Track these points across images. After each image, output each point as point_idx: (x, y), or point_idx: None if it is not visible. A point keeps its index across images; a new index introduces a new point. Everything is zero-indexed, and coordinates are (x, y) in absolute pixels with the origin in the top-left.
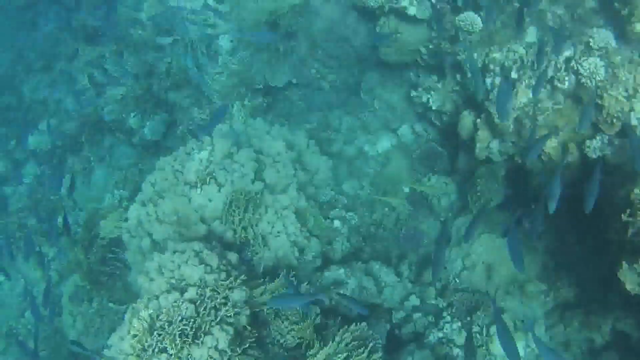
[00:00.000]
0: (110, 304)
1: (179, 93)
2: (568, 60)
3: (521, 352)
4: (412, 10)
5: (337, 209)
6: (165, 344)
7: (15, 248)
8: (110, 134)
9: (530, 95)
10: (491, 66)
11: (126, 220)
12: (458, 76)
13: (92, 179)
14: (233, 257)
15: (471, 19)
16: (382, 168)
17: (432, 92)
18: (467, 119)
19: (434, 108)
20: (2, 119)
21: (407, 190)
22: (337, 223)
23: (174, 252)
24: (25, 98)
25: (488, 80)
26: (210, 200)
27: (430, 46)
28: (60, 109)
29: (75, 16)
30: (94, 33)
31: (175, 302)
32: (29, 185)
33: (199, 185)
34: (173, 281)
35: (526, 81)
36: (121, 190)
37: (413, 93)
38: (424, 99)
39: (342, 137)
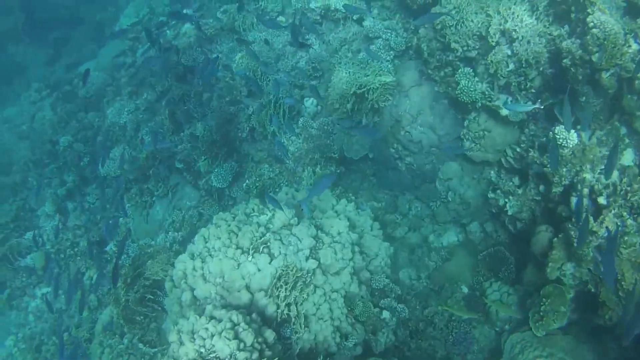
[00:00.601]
0: (141, 345)
1: (253, 146)
2: None
3: None
4: (504, 111)
5: (388, 299)
6: None
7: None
8: (177, 172)
9: (618, 225)
10: (579, 186)
11: (173, 265)
12: (542, 187)
13: (151, 213)
14: (270, 335)
15: (566, 134)
16: (444, 262)
17: (511, 197)
18: (543, 235)
19: (509, 213)
20: (83, 136)
21: (465, 290)
22: (386, 314)
23: (211, 318)
24: (107, 120)
25: (573, 200)
26: (259, 270)
27: (518, 149)
28: (137, 137)
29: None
30: (186, 72)
31: None
32: (90, 205)
33: (250, 253)
34: (202, 350)
35: (615, 210)
36: (175, 233)
37: (491, 195)
38: (501, 202)
39: (408, 222)
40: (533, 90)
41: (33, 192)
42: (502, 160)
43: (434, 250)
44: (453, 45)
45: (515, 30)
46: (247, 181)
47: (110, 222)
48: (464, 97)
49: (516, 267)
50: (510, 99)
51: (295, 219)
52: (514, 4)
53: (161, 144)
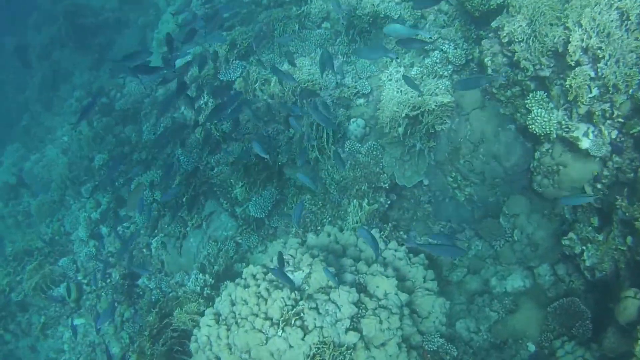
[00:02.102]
0: None
1: (295, 170)
2: None
3: None
4: (585, 143)
5: None
6: None
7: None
8: (213, 198)
9: None
10: None
11: (202, 315)
12: (630, 238)
13: (185, 245)
14: None
15: None
16: (508, 314)
17: (589, 245)
18: (631, 302)
19: (587, 264)
20: (119, 152)
21: (532, 348)
22: None
23: None
24: (142, 136)
25: None
26: (290, 347)
27: (599, 186)
28: (171, 157)
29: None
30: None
31: None
32: (123, 232)
33: (281, 326)
34: None
35: None
36: (206, 276)
37: (565, 242)
38: (577, 250)
39: (467, 263)
40: (621, 119)
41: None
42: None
43: (497, 298)
44: (523, 63)
45: (600, 48)
46: (286, 209)
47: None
48: (536, 129)
49: (593, 323)
50: (592, 129)
51: (335, 279)
52: (599, 13)
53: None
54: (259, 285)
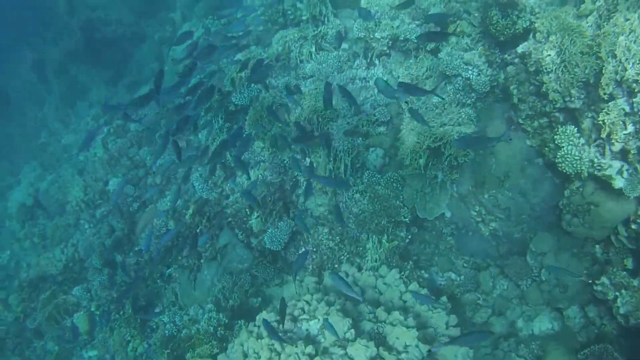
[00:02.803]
0: None
1: (312, 199)
2: None
3: None
4: (619, 182)
5: None
6: None
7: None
8: (229, 228)
9: None
10: None
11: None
12: None
13: (199, 277)
14: None
15: None
16: None
17: (624, 291)
18: None
19: (622, 312)
20: (134, 175)
21: None
22: None
23: None
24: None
25: None
26: None
27: (633, 226)
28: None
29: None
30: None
31: None
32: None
33: None
34: None
35: None
36: (220, 315)
37: (598, 287)
38: (610, 296)
39: (491, 302)
40: None
41: None
42: (612, 238)
43: (523, 342)
44: (552, 95)
45: (637, 81)
46: (303, 249)
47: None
48: (567, 167)
49: None
50: (627, 167)
51: (352, 331)
52: (634, 42)
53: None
54: (272, 339)
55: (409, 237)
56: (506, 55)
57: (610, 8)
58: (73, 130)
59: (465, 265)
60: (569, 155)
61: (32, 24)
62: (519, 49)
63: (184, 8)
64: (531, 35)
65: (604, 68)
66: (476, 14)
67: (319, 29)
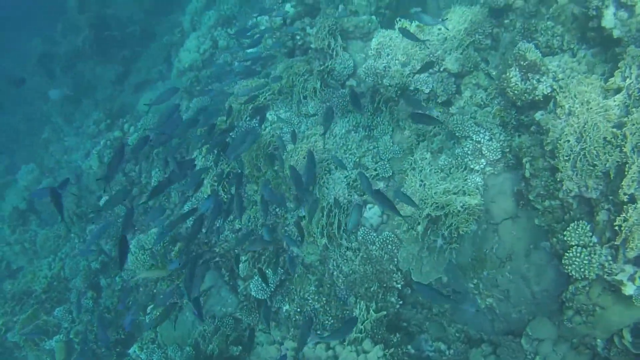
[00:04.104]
0: None
1: (303, 247)
2: None
3: None
4: (629, 289)
5: None
6: None
7: None
8: (215, 268)
9: None
10: None
11: None
12: None
13: (180, 318)
14: None
15: None
16: None
17: None
18: None
19: None
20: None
21: None
22: None
23: None
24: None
25: None
26: None
27: None
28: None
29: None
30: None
31: None
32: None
33: None
34: None
35: None
36: None
37: None
38: None
39: None
40: None
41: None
42: (615, 339)
43: None
44: (567, 184)
45: None
46: (288, 306)
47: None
48: (574, 271)
49: None
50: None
51: None
52: None
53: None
54: None
55: (400, 302)
56: (523, 117)
57: None
58: (76, 132)
59: (457, 334)
60: (577, 259)
61: (43, 17)
62: (537, 116)
63: (193, 14)
64: (552, 104)
65: (627, 165)
66: (494, 72)
67: (326, 64)
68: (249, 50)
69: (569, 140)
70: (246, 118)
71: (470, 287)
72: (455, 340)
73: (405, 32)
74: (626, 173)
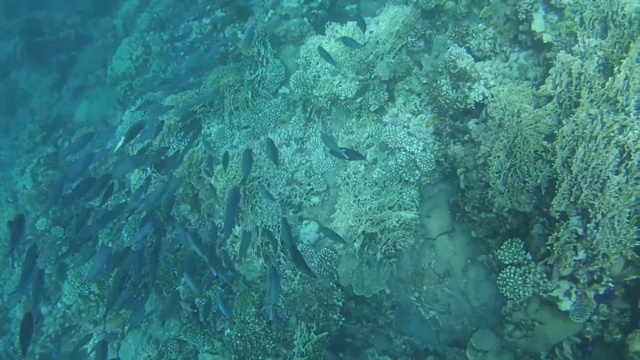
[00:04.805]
0: None
1: (244, 265)
2: None
3: None
4: (566, 304)
5: None
6: None
7: None
8: (156, 290)
9: None
10: None
11: None
12: None
13: (123, 346)
14: None
15: None
16: None
17: None
18: None
19: None
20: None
21: None
22: None
23: None
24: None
25: None
26: None
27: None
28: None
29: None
30: None
31: None
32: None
33: None
34: None
35: None
36: None
37: None
38: None
39: None
40: (611, 284)
41: None
42: (557, 351)
43: None
44: (499, 201)
45: (592, 205)
46: (229, 330)
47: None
48: (508, 293)
49: None
50: (575, 289)
51: None
52: (593, 153)
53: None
54: None
55: (343, 319)
56: (458, 123)
57: (572, 97)
58: (12, 144)
59: (404, 345)
60: (510, 280)
61: None
62: (471, 125)
63: (125, 17)
64: (484, 112)
65: (557, 183)
66: (424, 80)
67: (257, 73)
68: (183, 64)
69: (499, 156)
70: (177, 134)
71: (412, 299)
72: (402, 353)
73: (347, 41)
74: (556, 190)
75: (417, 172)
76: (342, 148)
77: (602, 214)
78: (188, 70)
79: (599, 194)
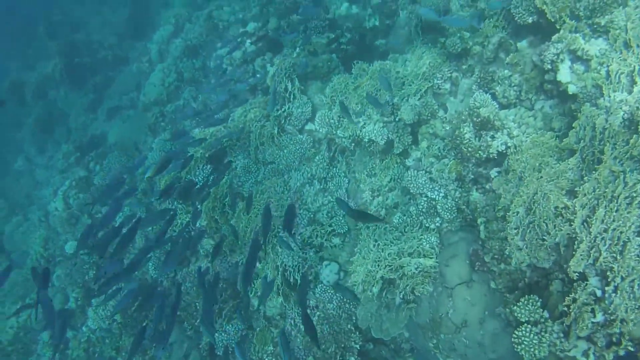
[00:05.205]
0: None
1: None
2: None
3: None
4: None
5: None
6: None
7: None
8: (177, 322)
9: None
10: None
11: None
12: None
13: None
14: None
15: None
16: None
17: None
18: None
19: None
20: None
21: None
22: None
23: None
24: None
25: None
26: None
27: None
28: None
29: None
30: None
31: None
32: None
33: None
34: None
35: None
36: None
37: None
38: None
39: None
40: (631, 347)
41: None
42: None
43: None
44: (517, 255)
45: (611, 269)
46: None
47: None
48: (523, 352)
49: None
50: (593, 349)
51: None
52: (615, 212)
53: None
54: None
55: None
56: (481, 169)
57: (595, 152)
58: (47, 163)
59: None
60: (526, 339)
61: (14, 42)
62: (493, 174)
63: (160, 43)
64: (506, 162)
65: (576, 243)
66: (448, 126)
67: (283, 109)
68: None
69: (518, 212)
70: (202, 167)
71: (430, 346)
72: None
73: (370, 99)
74: (575, 251)
75: (437, 218)
76: (356, 210)
77: (622, 277)
78: (218, 104)
79: (619, 257)
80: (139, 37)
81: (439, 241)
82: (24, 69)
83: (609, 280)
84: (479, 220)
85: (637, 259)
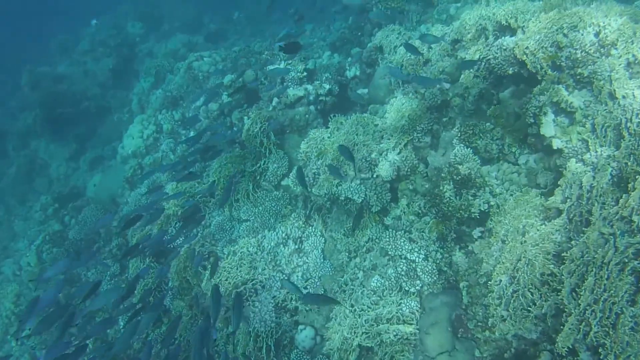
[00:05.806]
0: None
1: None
2: None
3: None
4: None
5: None
6: None
7: None
8: None
9: None
10: None
11: None
12: None
13: None
14: None
15: None
16: None
17: None
18: None
19: None
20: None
21: None
22: None
23: None
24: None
25: None
26: None
27: None
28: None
29: None
30: None
31: None
32: None
33: None
34: None
35: None
36: None
37: None
38: None
39: None
40: None
41: None
42: None
43: None
44: (500, 327)
45: (605, 346)
46: None
47: None
48: None
49: None
50: None
51: None
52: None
53: None
54: None
55: None
56: (464, 227)
57: (583, 212)
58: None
59: None
60: None
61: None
62: (475, 234)
63: (140, 94)
64: (489, 223)
65: (564, 314)
66: (427, 184)
67: (258, 164)
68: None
69: (500, 280)
70: (175, 224)
71: None
72: None
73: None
74: (563, 324)
75: (418, 281)
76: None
77: (615, 355)
78: (193, 156)
79: (611, 332)
80: (123, 86)
81: (419, 305)
82: (6, 118)
83: (601, 357)
84: (461, 285)
85: (632, 333)
